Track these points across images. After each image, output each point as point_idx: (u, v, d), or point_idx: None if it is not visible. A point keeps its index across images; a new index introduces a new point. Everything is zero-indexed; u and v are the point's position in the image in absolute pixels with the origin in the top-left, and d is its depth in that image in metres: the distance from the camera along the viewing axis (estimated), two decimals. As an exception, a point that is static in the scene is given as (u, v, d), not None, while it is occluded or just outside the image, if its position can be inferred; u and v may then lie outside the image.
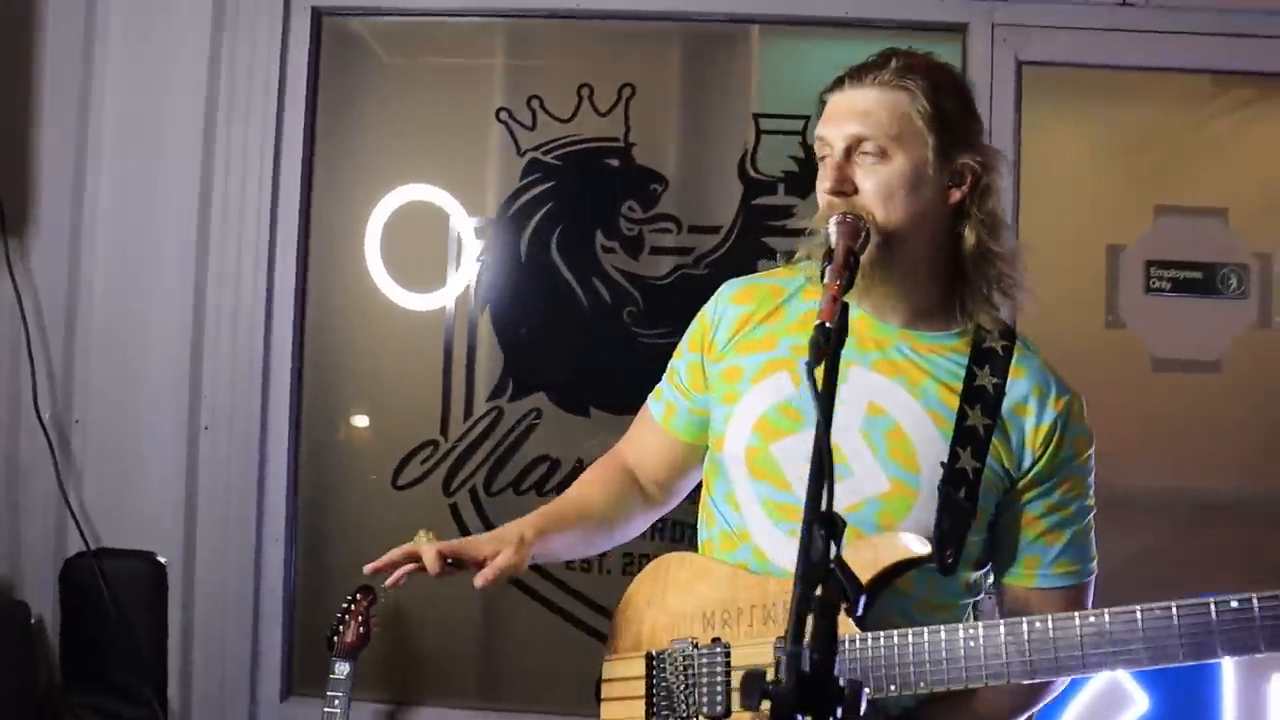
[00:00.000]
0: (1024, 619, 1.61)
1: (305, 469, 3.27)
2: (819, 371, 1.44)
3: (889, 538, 1.70)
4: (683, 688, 1.81)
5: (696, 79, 3.33)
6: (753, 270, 3.20)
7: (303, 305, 3.26)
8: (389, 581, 1.81)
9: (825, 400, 1.37)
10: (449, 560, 1.79)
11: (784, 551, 1.80)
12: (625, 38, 3.33)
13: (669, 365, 2.08)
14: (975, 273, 1.84)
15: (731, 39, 3.31)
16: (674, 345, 3.19)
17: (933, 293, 1.85)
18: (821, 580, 1.22)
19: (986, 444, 1.79)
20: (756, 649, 1.76)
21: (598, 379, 3.27)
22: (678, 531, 3.09)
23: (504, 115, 3.28)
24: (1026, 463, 1.81)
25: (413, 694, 3.23)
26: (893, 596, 1.71)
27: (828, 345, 1.46)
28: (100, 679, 3.12)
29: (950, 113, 1.80)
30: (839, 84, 1.84)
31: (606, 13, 3.26)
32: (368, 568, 1.82)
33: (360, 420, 3.33)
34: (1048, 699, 1.85)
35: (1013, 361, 1.85)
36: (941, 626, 1.65)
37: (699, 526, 2.00)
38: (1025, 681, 1.64)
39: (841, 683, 1.19)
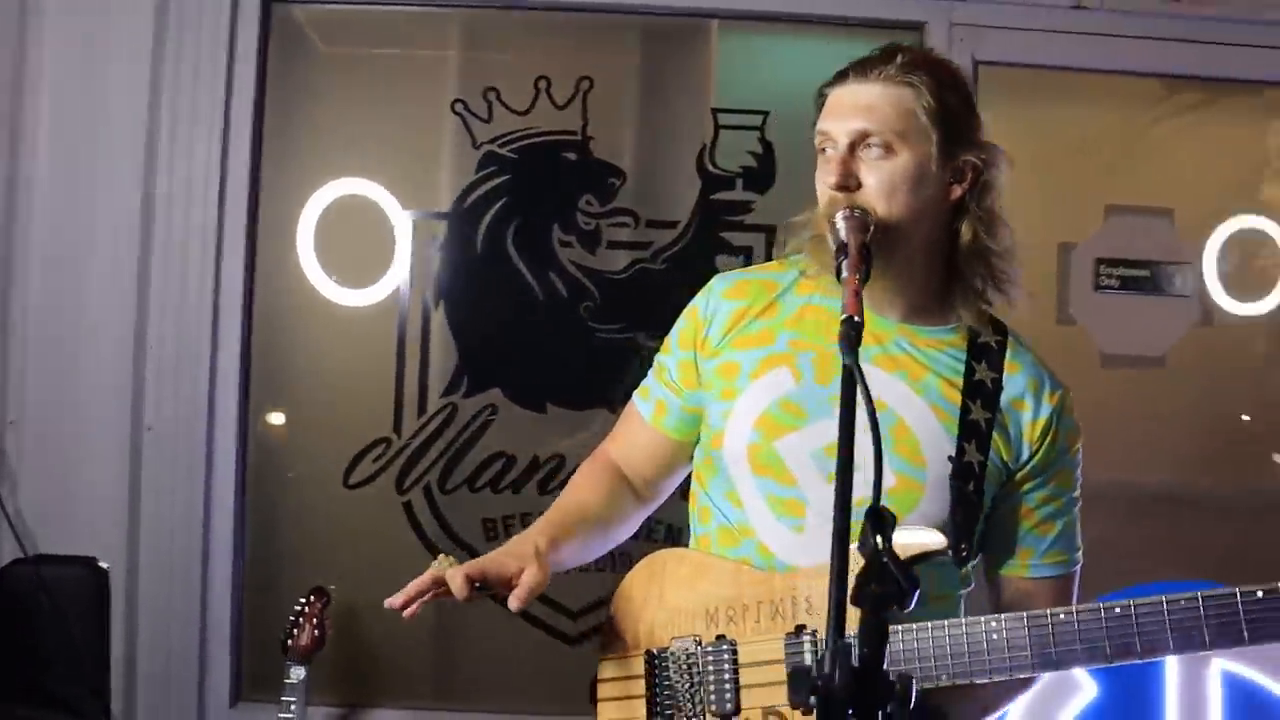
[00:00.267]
0: (1046, 611, 1.62)
1: (253, 469, 3.18)
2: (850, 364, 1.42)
3: (905, 533, 1.69)
4: (687, 686, 1.79)
5: (655, 73, 3.31)
6: (711, 266, 3.24)
7: (249, 302, 3.16)
8: (409, 612, 1.74)
9: (867, 395, 1.35)
10: (476, 584, 1.72)
11: (789, 546, 1.79)
12: (583, 30, 3.30)
13: (656, 362, 2.05)
14: (970, 268, 1.85)
15: (690, 33, 3.29)
16: (631, 340, 3.23)
17: (929, 288, 1.85)
18: (877, 575, 1.20)
19: (988, 438, 1.80)
20: (764, 645, 1.74)
21: (554, 374, 3.23)
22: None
23: (459, 107, 3.21)
24: (1024, 455, 1.83)
25: (367, 697, 3.17)
26: None
27: (859, 339, 1.44)
28: (40, 690, 2.99)
29: (953, 109, 1.80)
30: (842, 78, 1.84)
31: (564, 4, 3.22)
32: (394, 603, 1.74)
33: (276, 418, 3.24)
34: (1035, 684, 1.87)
35: (1007, 356, 1.87)
36: (963, 620, 1.65)
37: (692, 523, 1.97)
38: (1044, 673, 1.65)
39: (891, 676, 1.18)
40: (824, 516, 1.77)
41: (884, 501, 1.76)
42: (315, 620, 2.93)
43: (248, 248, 3.14)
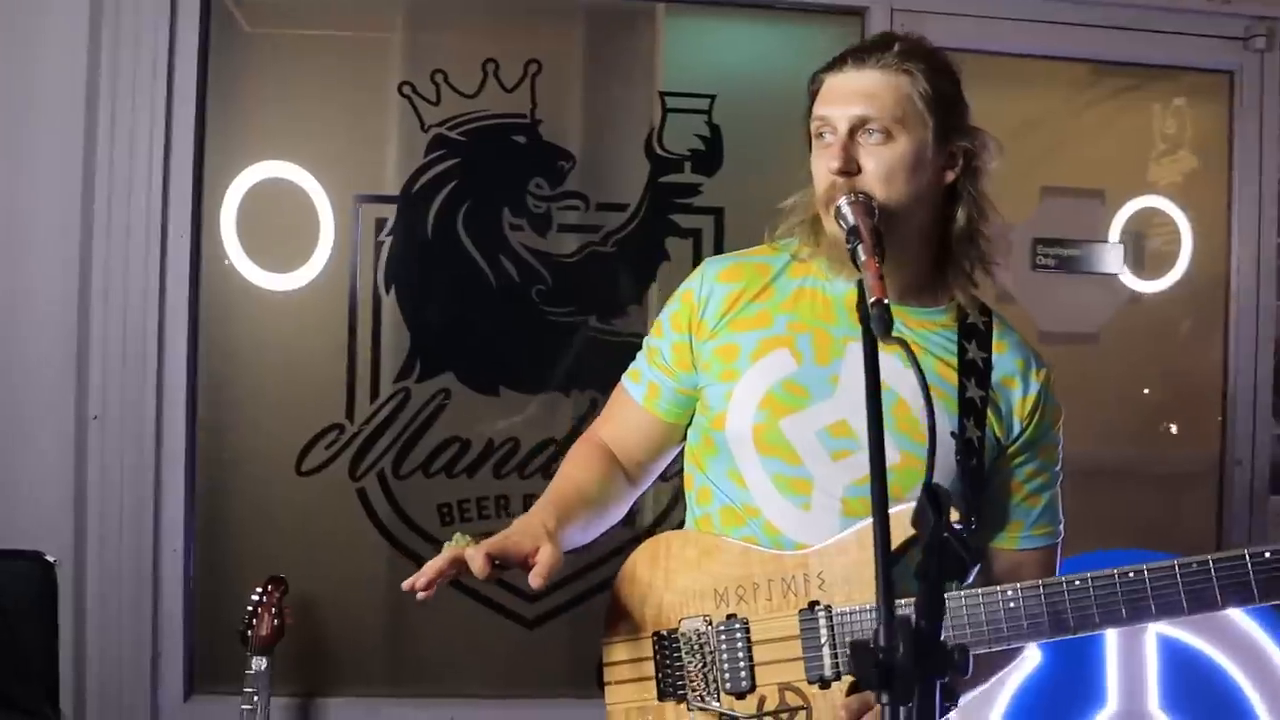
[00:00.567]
0: (1061, 578, 1.68)
1: (204, 457, 3.12)
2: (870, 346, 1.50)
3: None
4: (699, 666, 1.82)
5: (603, 56, 3.32)
6: (660, 248, 3.28)
7: (196, 288, 3.09)
8: (427, 595, 1.71)
9: (920, 375, 1.40)
10: (495, 562, 1.72)
11: (796, 524, 1.83)
12: (530, 13, 3.29)
13: (646, 345, 2.06)
14: (961, 251, 1.91)
15: (637, 16, 3.31)
16: (582, 323, 3.24)
17: (921, 270, 1.91)
18: (938, 549, 1.25)
19: (984, 415, 1.86)
20: (778, 622, 1.79)
21: (507, 358, 3.23)
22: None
23: (407, 90, 3.18)
24: (1015, 431, 1.90)
25: (324, 686, 3.14)
26: (905, 563, 1.77)
27: (891, 321, 1.49)
28: (-13, 689, 2.91)
29: (947, 96, 1.86)
30: (839, 64, 1.87)
31: (511, -14, 3.22)
32: (414, 585, 1.69)
33: (226, 406, 3.18)
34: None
35: (994, 336, 1.94)
36: (979, 590, 1.71)
37: (690, 504, 2.01)
38: (1058, 639, 1.72)
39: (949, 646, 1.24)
40: (829, 494, 1.83)
41: (890, 479, 1.83)
42: (274, 610, 2.89)
43: (193, 233, 3.07)
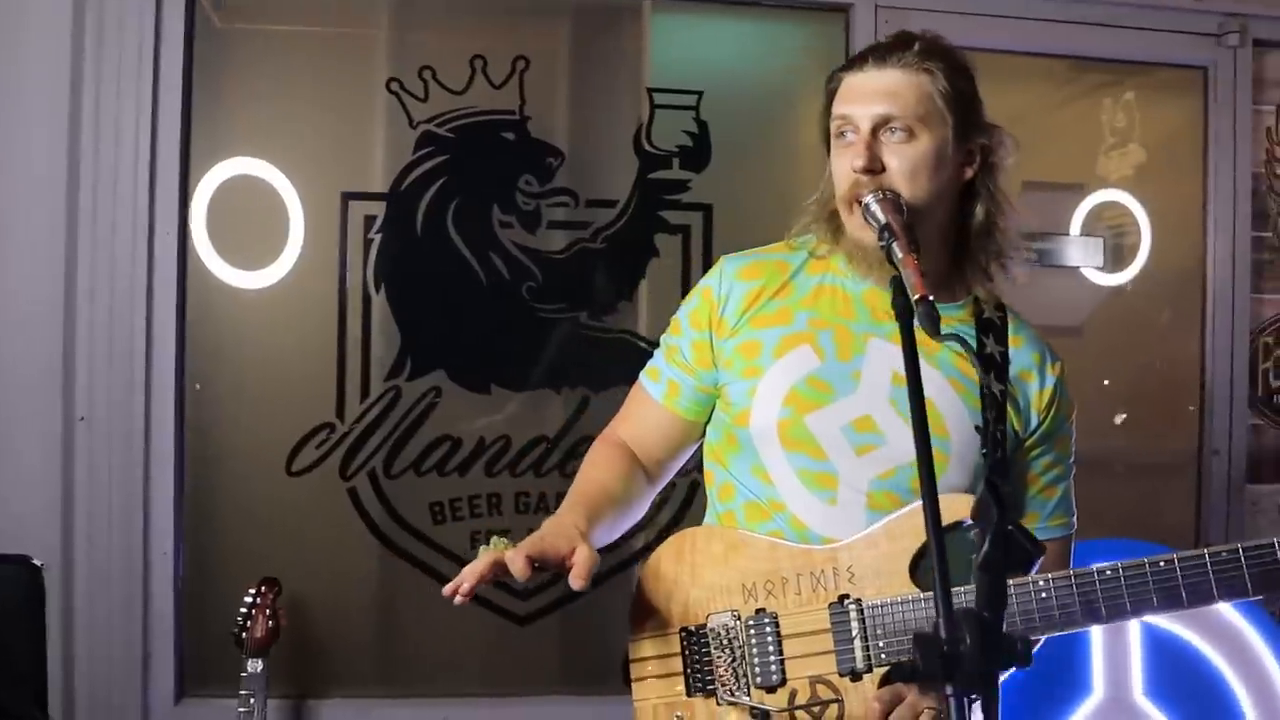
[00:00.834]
0: (1092, 568, 1.71)
1: (193, 457, 3.07)
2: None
3: (944, 500, 1.76)
4: (728, 660, 1.83)
5: (590, 53, 3.32)
6: (650, 245, 3.28)
7: (184, 287, 3.05)
8: (463, 600, 1.70)
9: (982, 371, 1.41)
10: (535, 564, 1.72)
11: (822, 519, 1.85)
12: (517, 10, 3.28)
13: (663, 343, 2.07)
14: (978, 246, 1.94)
15: (624, 13, 3.31)
16: (573, 319, 3.24)
17: (939, 266, 1.93)
18: (1002, 541, 1.27)
19: (1004, 408, 1.89)
20: (808, 616, 1.80)
21: (498, 355, 3.22)
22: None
23: (395, 86, 3.16)
24: (1032, 424, 1.93)
25: (317, 687, 3.11)
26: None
27: (939, 318, 1.51)
28: (-25, 695, 2.87)
29: (966, 94, 1.89)
30: (859, 63, 1.89)
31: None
32: (456, 589, 1.68)
33: (215, 406, 3.14)
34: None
35: (1009, 331, 1.97)
36: (1010, 580, 1.73)
37: (711, 500, 2.02)
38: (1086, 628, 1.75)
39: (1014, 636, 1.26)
40: (855, 489, 1.85)
41: (914, 473, 1.85)
42: (268, 611, 2.87)
43: (180, 230, 3.03)
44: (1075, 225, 3.52)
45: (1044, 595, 1.71)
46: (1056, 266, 3.50)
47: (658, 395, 2.05)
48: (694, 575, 1.89)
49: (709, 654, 1.84)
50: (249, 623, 2.85)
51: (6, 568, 2.91)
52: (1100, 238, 3.49)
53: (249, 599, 2.87)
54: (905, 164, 1.82)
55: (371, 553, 3.16)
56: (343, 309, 3.15)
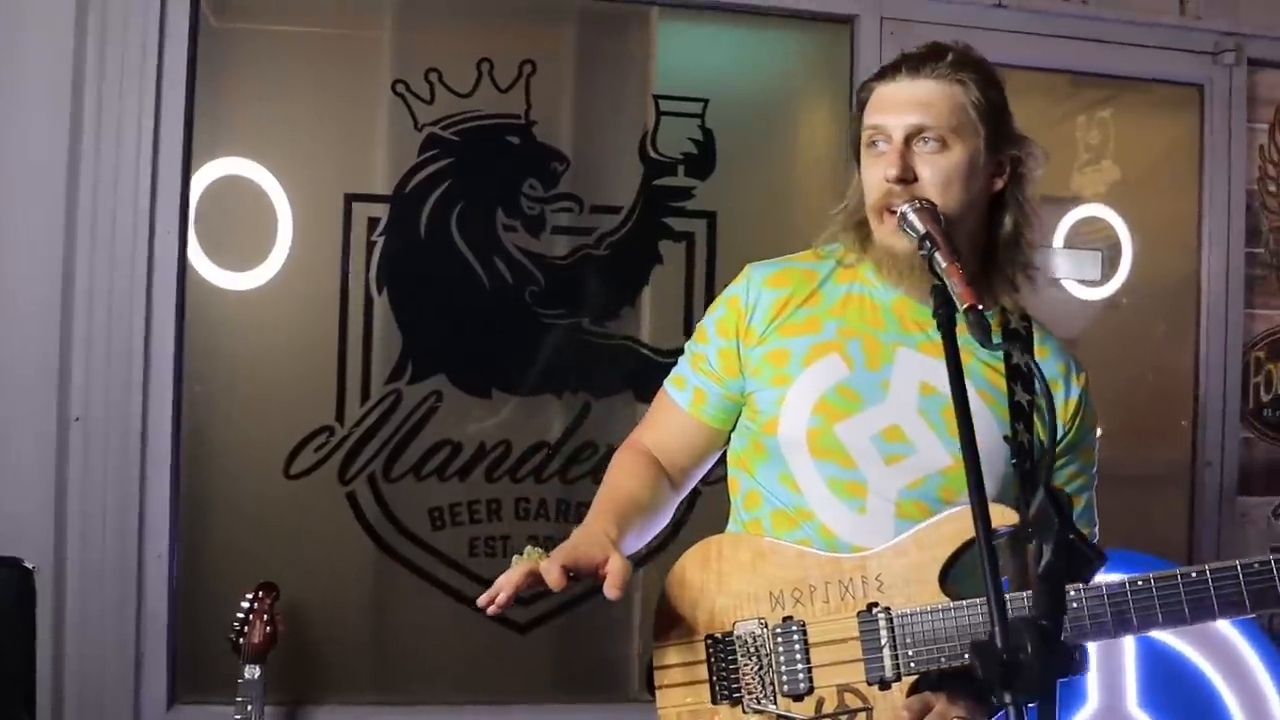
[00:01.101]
0: (1123, 578, 1.71)
1: (189, 459, 3.03)
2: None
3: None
4: (755, 668, 1.82)
5: (596, 58, 3.32)
6: (654, 251, 3.27)
7: (183, 287, 3.01)
8: (496, 610, 1.70)
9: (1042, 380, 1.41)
10: (571, 574, 1.70)
11: (851, 528, 1.85)
12: (524, 14, 3.27)
13: (689, 351, 2.06)
14: (1006, 257, 1.95)
15: (631, 19, 3.30)
16: (575, 325, 3.22)
17: (968, 277, 1.93)
18: (1063, 550, 1.27)
19: (1031, 418, 1.89)
20: (836, 624, 1.80)
21: (499, 360, 3.20)
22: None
23: (401, 88, 3.14)
24: (1059, 435, 1.93)
25: (314, 693, 3.07)
26: (966, 564, 1.80)
27: (989, 327, 1.53)
28: (-37, 699, 2.82)
29: (997, 105, 1.90)
30: (891, 73, 1.90)
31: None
32: (492, 599, 1.68)
33: (213, 407, 3.10)
34: None
35: (1035, 341, 1.98)
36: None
37: (736, 508, 2.01)
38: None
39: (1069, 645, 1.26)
40: (884, 498, 1.85)
41: (943, 482, 1.86)
42: (266, 617, 2.83)
43: (180, 230, 3.00)
44: (1059, 238, 3.55)
45: (1074, 606, 1.71)
46: (1061, 279, 3.52)
47: (683, 403, 2.04)
48: (720, 582, 1.88)
49: (735, 662, 1.84)
50: (246, 628, 2.81)
51: (-2, 570, 2.87)
52: (1097, 250, 3.52)
53: (246, 604, 2.84)
54: (938, 174, 1.82)
55: (369, 557, 3.13)
56: (344, 311, 3.12)
